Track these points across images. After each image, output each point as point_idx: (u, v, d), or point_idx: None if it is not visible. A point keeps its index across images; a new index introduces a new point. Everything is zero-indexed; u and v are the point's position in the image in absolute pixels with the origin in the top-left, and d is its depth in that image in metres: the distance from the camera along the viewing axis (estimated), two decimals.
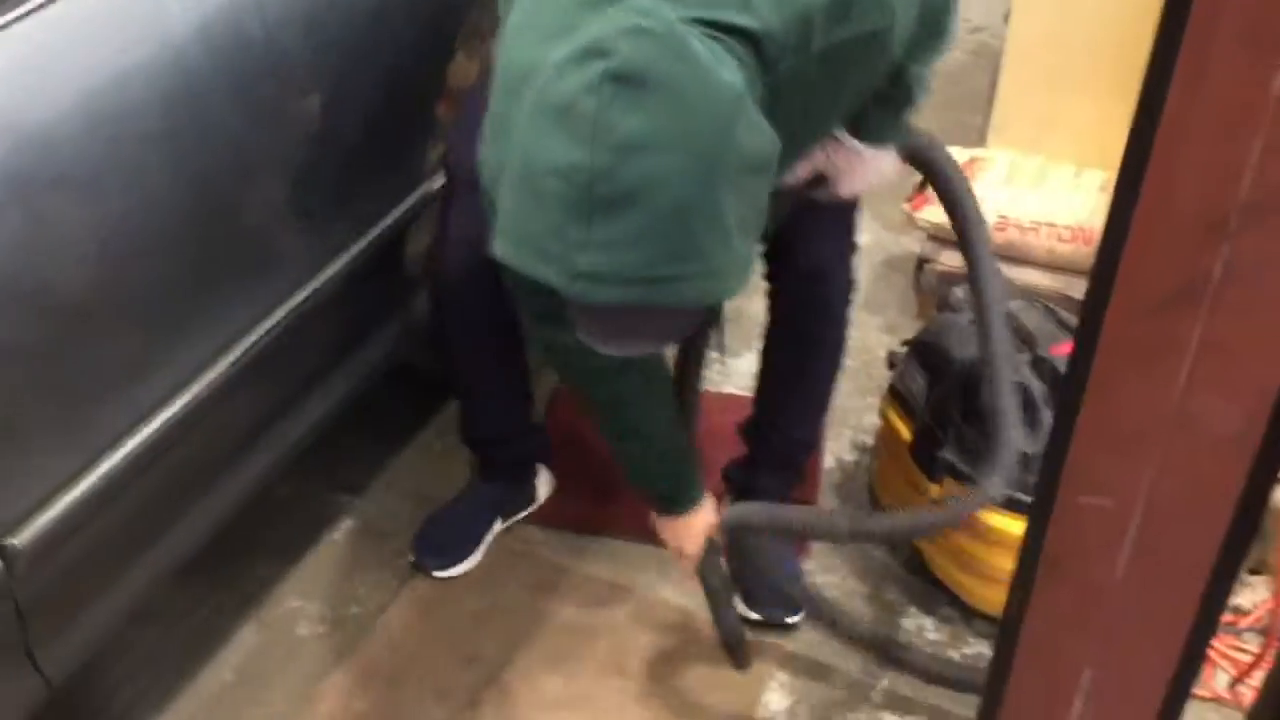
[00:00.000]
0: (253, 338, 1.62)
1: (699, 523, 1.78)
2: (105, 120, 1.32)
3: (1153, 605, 0.77)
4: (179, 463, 1.55)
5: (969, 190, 1.72)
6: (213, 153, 1.48)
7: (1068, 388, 0.71)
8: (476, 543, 2.11)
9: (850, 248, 1.89)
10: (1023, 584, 0.81)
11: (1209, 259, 0.61)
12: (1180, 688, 0.81)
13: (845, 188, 1.67)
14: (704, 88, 1.10)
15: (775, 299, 1.94)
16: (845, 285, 1.90)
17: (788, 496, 2.10)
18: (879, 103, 1.53)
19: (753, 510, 1.82)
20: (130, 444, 1.45)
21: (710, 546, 1.81)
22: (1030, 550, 0.80)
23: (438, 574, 2.09)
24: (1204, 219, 0.60)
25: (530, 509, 2.19)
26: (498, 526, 2.15)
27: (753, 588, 2.02)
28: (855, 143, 1.59)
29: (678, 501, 1.78)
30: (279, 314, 1.66)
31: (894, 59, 1.42)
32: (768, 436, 2.05)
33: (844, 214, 1.83)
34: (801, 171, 1.61)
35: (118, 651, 1.93)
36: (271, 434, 1.79)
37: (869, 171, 1.64)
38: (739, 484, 2.11)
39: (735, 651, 1.92)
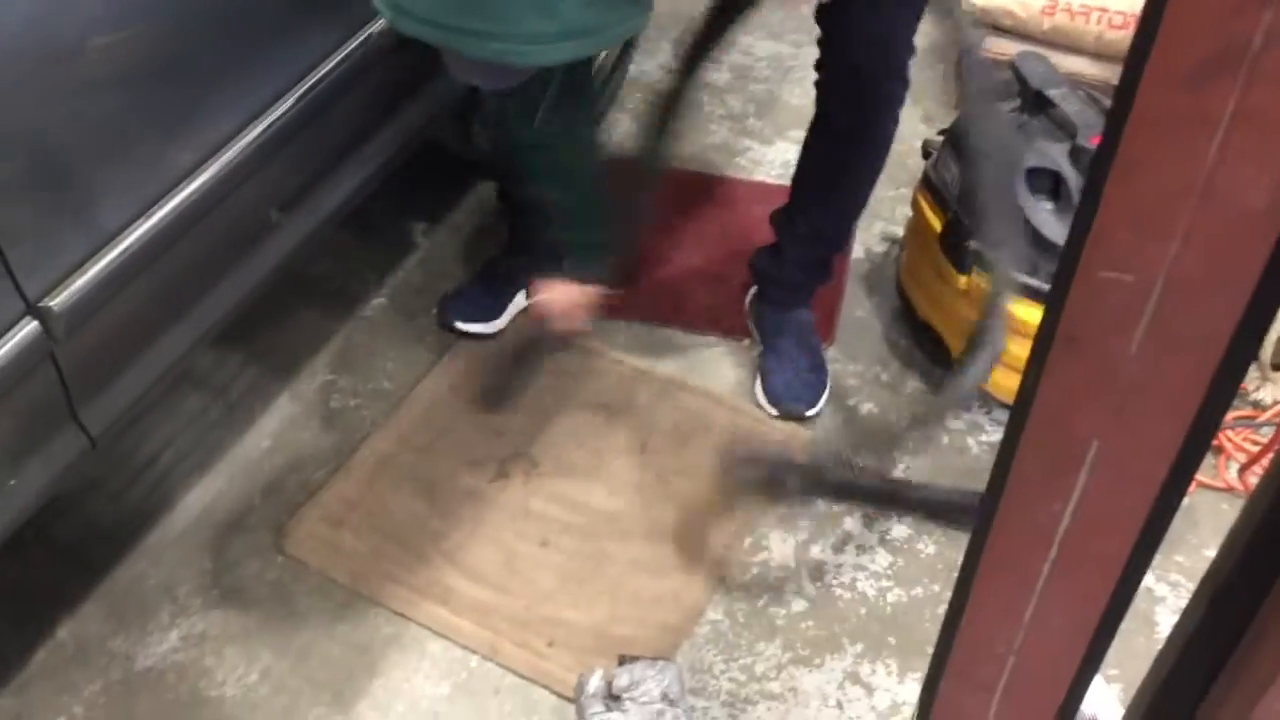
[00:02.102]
0: (284, 106, 1.61)
1: (584, 292, 1.78)
2: None
3: (1165, 381, 0.78)
4: (212, 230, 1.56)
5: None
6: None
7: (1096, 163, 0.70)
8: (501, 308, 2.15)
9: (899, 45, 1.78)
10: (1038, 358, 0.82)
11: (1249, 25, 0.59)
12: (1185, 465, 0.83)
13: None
14: None
15: (820, 90, 1.88)
16: (889, 83, 1.81)
17: (812, 293, 2.10)
18: None
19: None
20: (163, 210, 1.46)
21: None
22: (1048, 325, 0.81)
23: (460, 325, 2.14)
24: None
25: None
26: (522, 299, 2.18)
27: (773, 383, 2.05)
28: None
29: (582, 263, 1.78)
30: (308, 82, 1.64)
31: None
32: (797, 231, 2.03)
33: (897, 9, 1.74)
34: None
35: (160, 416, 2.00)
36: (304, 205, 1.79)
37: None
38: (765, 273, 2.11)
39: (490, 398, 2.01)
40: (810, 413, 2.04)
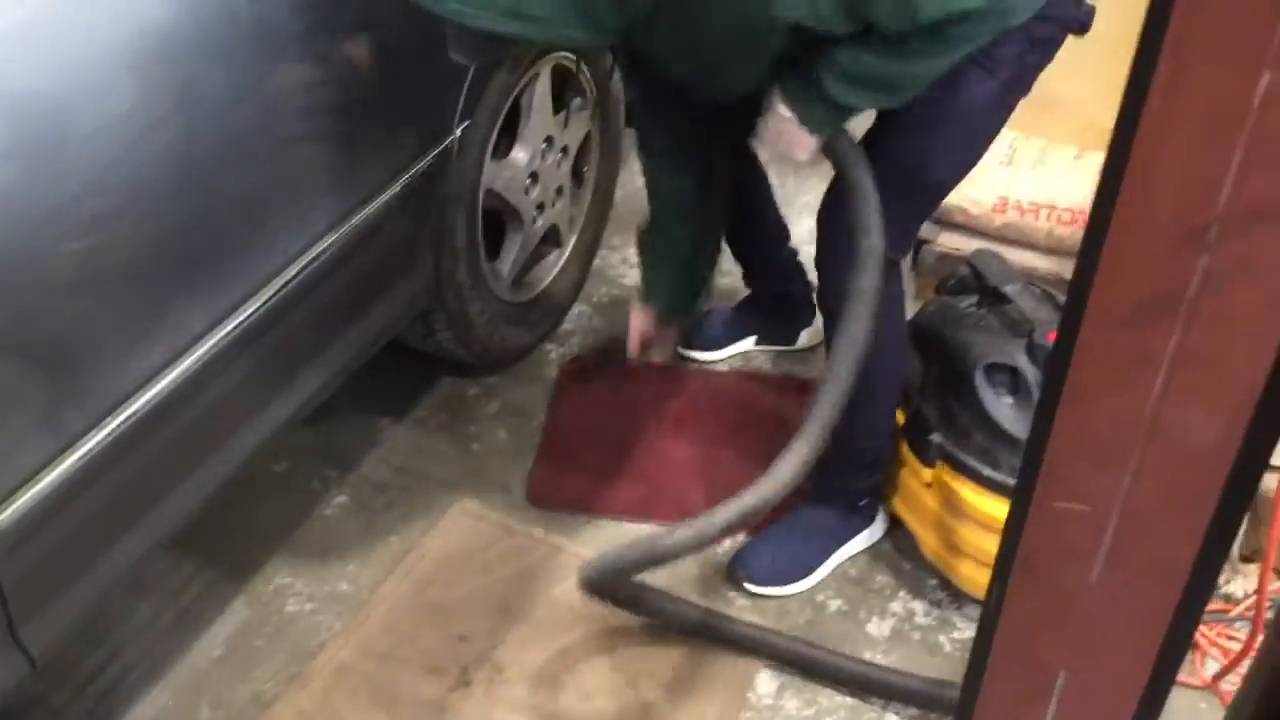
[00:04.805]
0: (244, 314, 1.60)
1: (667, 328, 2.15)
2: (90, 90, 1.32)
3: (1128, 611, 0.77)
4: (168, 439, 1.54)
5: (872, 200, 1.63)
6: (195, 126, 1.46)
7: (1044, 393, 0.70)
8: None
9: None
10: (999, 586, 0.81)
11: (1187, 269, 0.60)
12: (1155, 692, 0.80)
13: (767, 149, 1.80)
14: None
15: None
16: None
17: (848, 497, 2.06)
18: (798, 67, 1.59)
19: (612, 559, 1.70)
20: (116, 421, 1.44)
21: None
22: (1006, 552, 0.79)
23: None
24: (1182, 228, 0.59)
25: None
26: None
27: (745, 555, 2.04)
28: (778, 104, 1.64)
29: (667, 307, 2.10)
30: (271, 289, 1.64)
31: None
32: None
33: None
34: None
35: (107, 624, 1.94)
36: (263, 410, 1.78)
37: (780, 137, 1.68)
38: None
39: None
40: (761, 590, 2.01)
